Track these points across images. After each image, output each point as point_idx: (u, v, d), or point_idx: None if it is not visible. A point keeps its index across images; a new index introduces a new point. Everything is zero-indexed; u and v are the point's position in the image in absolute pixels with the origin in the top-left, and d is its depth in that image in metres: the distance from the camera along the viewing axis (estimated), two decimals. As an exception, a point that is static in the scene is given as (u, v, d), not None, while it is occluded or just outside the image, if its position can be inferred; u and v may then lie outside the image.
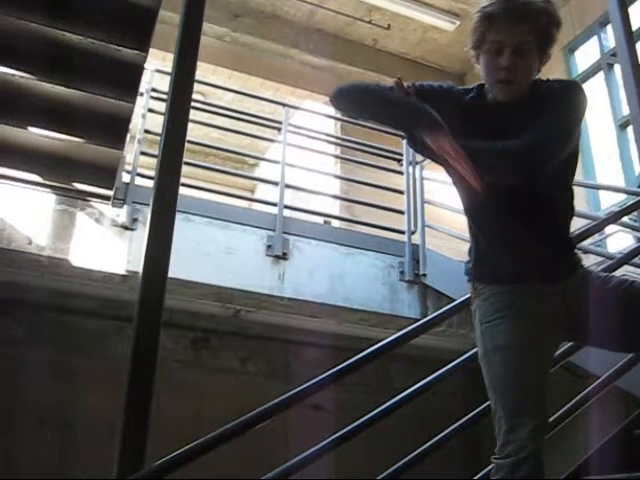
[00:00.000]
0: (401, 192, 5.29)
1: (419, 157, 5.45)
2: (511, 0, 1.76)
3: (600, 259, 4.46)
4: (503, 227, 1.86)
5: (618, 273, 4.25)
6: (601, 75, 6.53)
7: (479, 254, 1.93)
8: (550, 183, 1.78)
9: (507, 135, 1.70)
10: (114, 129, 3.18)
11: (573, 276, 1.85)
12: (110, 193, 3.93)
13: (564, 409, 2.47)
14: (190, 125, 1.89)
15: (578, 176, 6.23)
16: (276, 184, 4.94)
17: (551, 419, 2.40)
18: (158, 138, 1.91)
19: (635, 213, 4.08)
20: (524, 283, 1.78)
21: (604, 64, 6.45)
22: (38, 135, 3.17)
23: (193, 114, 2.08)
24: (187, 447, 1.88)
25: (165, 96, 2.09)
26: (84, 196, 4.05)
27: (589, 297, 1.81)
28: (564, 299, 1.80)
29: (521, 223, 1.83)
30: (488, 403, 1.85)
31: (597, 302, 1.78)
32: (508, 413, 1.69)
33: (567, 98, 1.77)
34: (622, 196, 5.55)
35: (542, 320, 1.76)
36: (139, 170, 4.46)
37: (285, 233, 4.67)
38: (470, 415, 2.37)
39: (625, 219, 4.26)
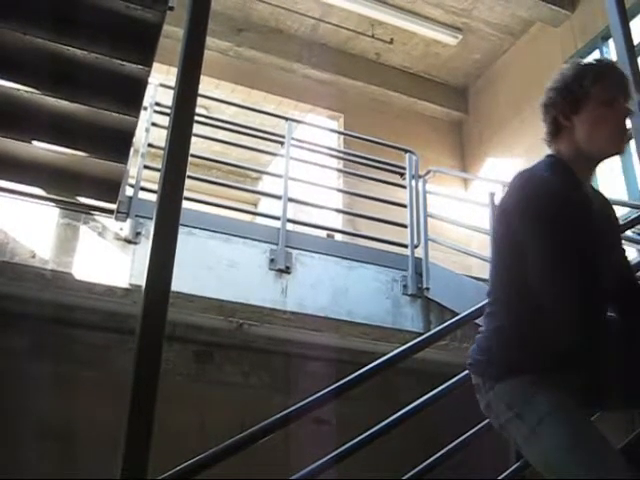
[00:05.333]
0: (404, 206, 5.29)
1: (422, 171, 5.47)
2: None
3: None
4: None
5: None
6: (603, 89, 6.55)
7: (526, 342, 1.70)
8: None
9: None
10: (118, 143, 3.19)
11: None
12: (113, 207, 3.94)
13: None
14: (193, 139, 1.90)
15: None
16: (279, 198, 4.95)
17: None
18: (161, 152, 1.91)
19: (638, 226, 4.08)
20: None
21: (606, 78, 6.47)
22: (42, 149, 3.18)
23: (196, 128, 2.09)
24: (191, 461, 1.88)
25: (168, 110, 2.11)
26: (87, 210, 4.06)
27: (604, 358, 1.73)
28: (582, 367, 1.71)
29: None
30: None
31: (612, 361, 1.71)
32: None
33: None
34: (625, 210, 5.55)
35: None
36: (142, 184, 4.47)
37: (288, 247, 4.67)
38: (474, 430, 2.36)
39: (628, 233, 4.25)
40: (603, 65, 1.77)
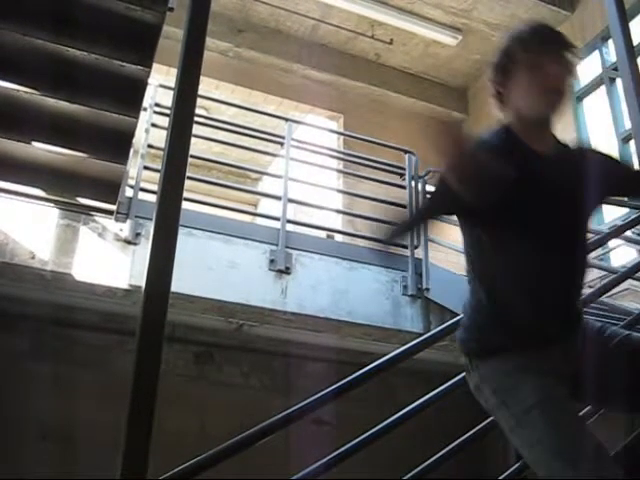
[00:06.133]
0: (404, 206, 5.29)
1: (422, 171, 5.46)
2: None
3: (604, 273, 4.45)
4: (549, 284, 1.72)
5: (621, 287, 4.27)
6: (603, 89, 6.55)
7: (502, 318, 1.72)
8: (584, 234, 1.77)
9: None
10: (117, 144, 3.19)
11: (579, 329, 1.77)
12: (113, 208, 3.93)
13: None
14: (193, 139, 1.90)
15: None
16: (279, 198, 4.95)
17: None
18: (161, 152, 1.91)
19: (639, 227, 4.08)
20: (545, 344, 1.68)
21: (606, 78, 6.47)
22: (42, 150, 3.18)
23: (196, 129, 2.09)
24: (191, 462, 1.88)
25: (168, 111, 2.11)
26: (87, 211, 4.06)
27: (588, 351, 1.73)
28: (568, 355, 1.71)
29: (563, 279, 1.74)
30: (492, 418, 1.84)
31: (596, 357, 1.71)
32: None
33: None
34: (625, 210, 5.55)
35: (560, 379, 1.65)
36: (142, 185, 4.47)
37: (288, 247, 4.67)
38: (474, 430, 2.36)
39: (628, 233, 4.26)
40: (527, 30, 1.79)
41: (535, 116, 1.76)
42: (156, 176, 2.06)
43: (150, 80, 3.12)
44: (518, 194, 1.60)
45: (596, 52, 6.74)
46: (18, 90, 2.83)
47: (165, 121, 4.31)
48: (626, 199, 4.01)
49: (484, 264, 1.76)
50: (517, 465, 2.27)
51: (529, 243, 1.67)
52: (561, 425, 1.55)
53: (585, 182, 1.75)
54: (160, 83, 4.80)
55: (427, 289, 4.88)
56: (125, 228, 4.26)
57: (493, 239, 1.72)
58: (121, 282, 4.16)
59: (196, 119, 2.06)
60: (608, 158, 1.89)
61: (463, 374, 2.31)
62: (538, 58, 1.73)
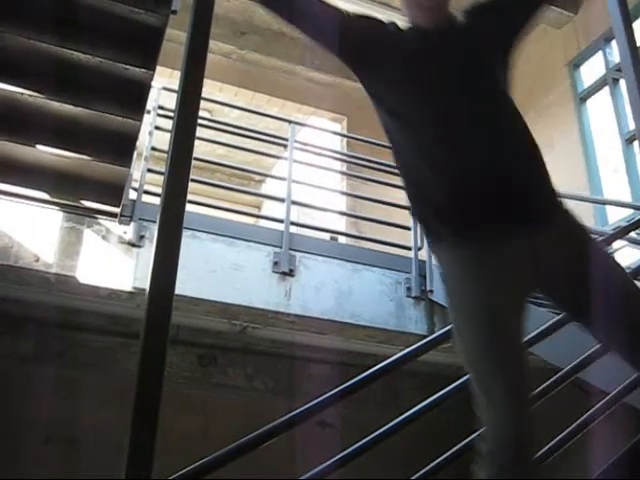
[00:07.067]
0: (407, 208, 5.28)
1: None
2: None
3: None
4: (453, 151, 1.64)
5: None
6: (607, 90, 6.54)
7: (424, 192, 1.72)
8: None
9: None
10: (121, 146, 3.20)
11: (549, 221, 1.59)
12: (117, 210, 3.94)
13: (573, 426, 2.45)
14: (197, 142, 1.90)
15: (584, 191, 6.18)
16: (282, 201, 4.95)
17: (560, 436, 2.39)
18: (165, 155, 1.91)
19: (642, 228, 4.07)
20: (477, 228, 1.57)
21: (609, 79, 6.46)
22: (46, 153, 3.19)
23: (199, 131, 2.09)
24: (195, 464, 1.88)
25: (172, 113, 2.11)
26: (91, 213, 4.06)
27: (580, 265, 1.56)
28: (533, 249, 1.56)
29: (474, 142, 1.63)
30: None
31: (595, 281, 1.53)
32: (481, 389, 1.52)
33: None
34: (629, 211, 5.54)
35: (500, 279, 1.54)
36: (146, 187, 4.48)
37: (291, 250, 4.67)
38: (479, 432, 2.35)
39: (632, 234, 4.25)
40: None
41: (415, 6, 1.87)
42: (160, 179, 2.06)
43: (153, 83, 3.13)
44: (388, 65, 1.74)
45: (599, 53, 6.72)
46: (22, 93, 2.84)
47: (169, 124, 4.31)
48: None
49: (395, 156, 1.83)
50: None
51: (413, 126, 1.69)
52: (481, 342, 1.53)
53: (478, 45, 1.76)
54: (164, 86, 4.81)
55: (431, 291, 4.87)
56: (129, 231, 4.27)
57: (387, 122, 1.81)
58: (125, 285, 4.16)
59: (200, 121, 2.06)
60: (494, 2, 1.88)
61: (467, 376, 2.32)
62: None
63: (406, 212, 5.27)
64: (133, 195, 4.40)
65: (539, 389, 2.39)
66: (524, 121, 1.71)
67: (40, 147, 3.15)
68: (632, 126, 5.64)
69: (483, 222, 1.58)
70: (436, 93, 1.72)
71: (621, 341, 1.58)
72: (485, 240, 1.56)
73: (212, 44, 2.05)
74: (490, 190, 1.59)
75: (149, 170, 4.56)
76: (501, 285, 1.54)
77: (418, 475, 2.23)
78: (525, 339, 2.44)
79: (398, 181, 2.03)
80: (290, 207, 4.85)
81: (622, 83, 5.95)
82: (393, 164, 1.91)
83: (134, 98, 2.99)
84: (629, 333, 1.54)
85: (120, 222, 4.23)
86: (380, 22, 1.92)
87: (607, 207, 6.14)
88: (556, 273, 1.58)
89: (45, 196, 3.70)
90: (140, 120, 3.11)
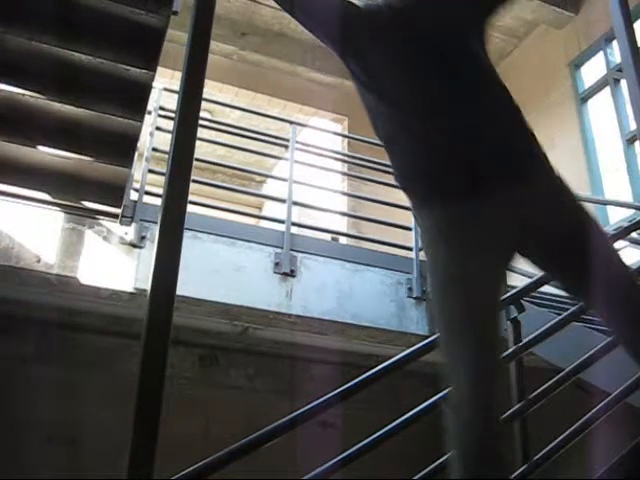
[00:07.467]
0: (408, 208, 5.27)
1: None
2: None
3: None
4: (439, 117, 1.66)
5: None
6: (608, 90, 6.54)
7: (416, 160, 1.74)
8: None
9: None
10: (122, 147, 3.20)
11: (530, 179, 1.58)
12: (118, 211, 3.95)
13: (574, 426, 2.44)
14: (197, 143, 1.90)
15: (586, 191, 6.16)
16: (283, 201, 4.95)
17: (562, 436, 2.38)
18: (166, 156, 1.92)
19: (644, 229, 4.07)
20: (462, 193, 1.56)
21: (610, 79, 6.46)
22: (47, 154, 3.19)
23: (200, 132, 2.09)
24: (196, 465, 1.88)
25: (173, 114, 2.12)
26: (92, 214, 4.06)
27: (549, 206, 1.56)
28: (515, 206, 1.54)
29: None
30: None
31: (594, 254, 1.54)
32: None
33: None
34: (631, 211, 5.54)
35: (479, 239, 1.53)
36: (147, 188, 4.48)
37: (293, 250, 4.67)
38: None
39: (634, 235, 4.24)
40: None
41: None
42: (161, 179, 2.06)
43: (154, 83, 3.14)
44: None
45: (600, 53, 6.72)
46: (23, 94, 2.84)
47: (170, 124, 4.32)
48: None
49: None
50: (525, 467, 2.27)
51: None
52: (450, 305, 1.55)
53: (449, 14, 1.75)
54: (165, 86, 4.81)
55: (432, 291, 4.87)
56: (130, 231, 4.27)
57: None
58: (126, 285, 4.16)
59: (200, 122, 2.06)
60: None
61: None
62: None
63: (407, 212, 5.27)
64: (134, 196, 4.40)
65: (540, 389, 2.39)
66: (503, 84, 1.78)
67: (41, 148, 3.15)
68: (633, 126, 5.64)
69: (459, 182, 1.59)
70: (411, 67, 1.74)
71: (604, 301, 1.59)
72: (461, 198, 1.57)
73: (213, 45, 2.05)
74: (469, 151, 1.60)
75: (150, 171, 4.56)
76: (475, 244, 1.54)
77: (420, 475, 2.23)
78: (525, 339, 2.46)
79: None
80: (291, 208, 4.85)
81: (623, 83, 5.94)
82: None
83: (135, 99, 2.99)
84: (612, 294, 1.57)
85: (121, 223, 4.23)
86: (356, 6, 1.85)
87: (608, 207, 6.14)
88: (540, 227, 1.57)
89: (46, 197, 3.70)
90: (141, 121, 3.11)
